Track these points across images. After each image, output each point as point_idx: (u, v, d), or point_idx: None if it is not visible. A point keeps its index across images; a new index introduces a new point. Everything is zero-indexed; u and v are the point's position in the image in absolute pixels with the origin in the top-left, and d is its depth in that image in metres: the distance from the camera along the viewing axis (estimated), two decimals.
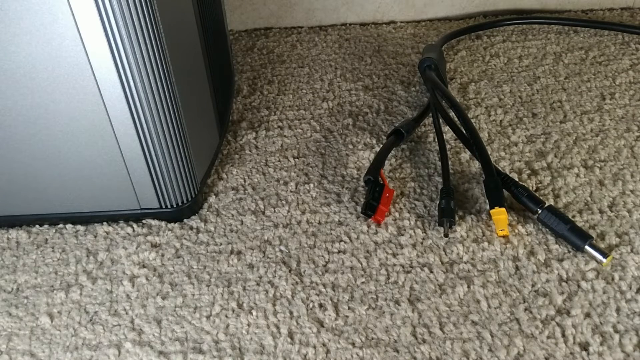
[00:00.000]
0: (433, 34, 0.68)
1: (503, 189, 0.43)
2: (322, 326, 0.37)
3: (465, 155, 0.49)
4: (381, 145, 0.49)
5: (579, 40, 0.64)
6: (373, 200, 0.43)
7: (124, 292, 0.39)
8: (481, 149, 0.45)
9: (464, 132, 0.47)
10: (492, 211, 0.41)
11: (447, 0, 0.69)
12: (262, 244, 0.42)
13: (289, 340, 0.36)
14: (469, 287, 0.38)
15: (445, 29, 0.68)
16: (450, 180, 0.45)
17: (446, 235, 0.42)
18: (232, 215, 0.45)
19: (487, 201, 0.43)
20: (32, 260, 0.42)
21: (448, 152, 0.49)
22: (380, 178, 0.44)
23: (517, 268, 0.39)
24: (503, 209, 0.41)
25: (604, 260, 0.39)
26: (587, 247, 0.39)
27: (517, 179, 0.45)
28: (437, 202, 0.44)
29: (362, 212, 0.43)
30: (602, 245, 0.40)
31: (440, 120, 0.50)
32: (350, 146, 0.51)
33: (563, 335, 0.35)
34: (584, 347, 0.35)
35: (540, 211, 0.41)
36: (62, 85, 0.35)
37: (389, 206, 0.44)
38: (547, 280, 0.38)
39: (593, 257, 0.39)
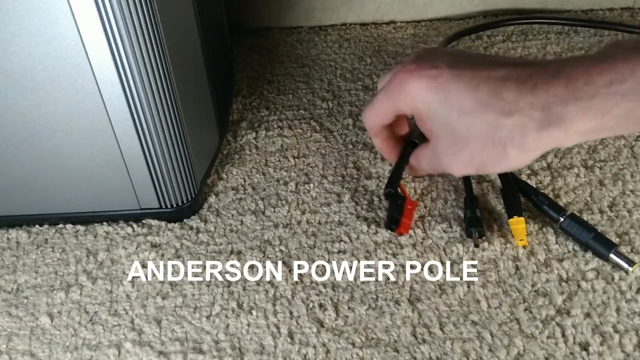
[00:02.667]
0: (433, 34, 0.68)
1: (521, 197, 0.42)
2: (322, 326, 0.37)
3: None
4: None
5: (579, 40, 0.64)
6: (396, 213, 0.41)
7: (124, 292, 0.39)
8: None
9: None
10: (510, 220, 0.40)
11: (447, 0, 0.69)
12: (262, 244, 0.42)
13: (289, 340, 0.36)
14: (469, 287, 0.38)
15: (445, 29, 0.68)
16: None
17: (476, 246, 0.40)
18: (232, 215, 0.45)
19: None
20: (32, 260, 0.42)
21: None
22: (400, 190, 0.43)
23: (517, 268, 0.39)
24: (522, 219, 0.40)
25: (630, 268, 0.38)
26: (612, 256, 0.38)
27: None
28: (463, 213, 0.43)
29: (386, 227, 0.42)
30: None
31: None
32: (350, 146, 0.51)
33: (563, 335, 0.35)
34: (584, 347, 0.35)
35: (562, 219, 0.40)
36: (62, 85, 0.35)
37: (412, 218, 0.42)
38: (547, 280, 0.38)
39: (618, 265, 0.38)
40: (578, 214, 0.42)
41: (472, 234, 0.40)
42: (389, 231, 0.42)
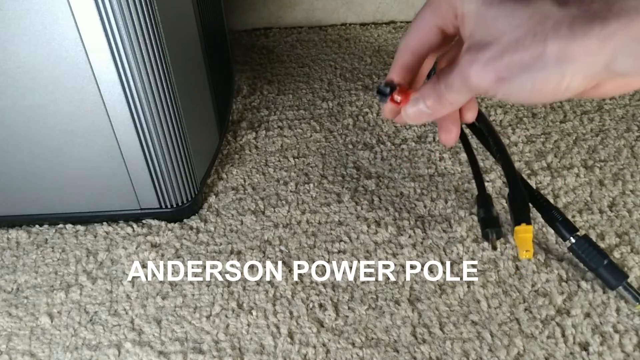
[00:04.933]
0: None
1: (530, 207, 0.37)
2: (322, 326, 0.37)
3: (465, 155, 0.49)
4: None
5: None
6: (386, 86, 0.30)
7: (124, 292, 0.39)
8: (506, 159, 0.39)
9: (490, 142, 0.41)
10: (517, 228, 0.34)
11: None
12: (262, 244, 0.42)
13: (289, 340, 0.36)
14: (469, 287, 0.38)
15: None
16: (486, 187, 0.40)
17: (494, 248, 0.38)
18: (232, 215, 0.45)
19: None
20: (32, 260, 0.42)
21: (448, 154, 0.49)
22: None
23: (517, 268, 0.39)
24: (530, 227, 0.34)
25: (637, 304, 0.36)
26: (620, 288, 0.36)
27: None
28: (476, 212, 0.39)
29: (379, 93, 0.29)
30: (602, 245, 0.40)
31: (463, 125, 0.45)
32: (350, 146, 0.51)
33: (563, 335, 0.35)
34: (584, 347, 0.35)
35: (574, 240, 0.37)
36: (62, 85, 0.35)
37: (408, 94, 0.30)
38: (547, 280, 0.38)
39: (625, 298, 0.37)
40: (578, 215, 0.42)
41: (489, 235, 0.37)
42: (380, 97, 0.29)
